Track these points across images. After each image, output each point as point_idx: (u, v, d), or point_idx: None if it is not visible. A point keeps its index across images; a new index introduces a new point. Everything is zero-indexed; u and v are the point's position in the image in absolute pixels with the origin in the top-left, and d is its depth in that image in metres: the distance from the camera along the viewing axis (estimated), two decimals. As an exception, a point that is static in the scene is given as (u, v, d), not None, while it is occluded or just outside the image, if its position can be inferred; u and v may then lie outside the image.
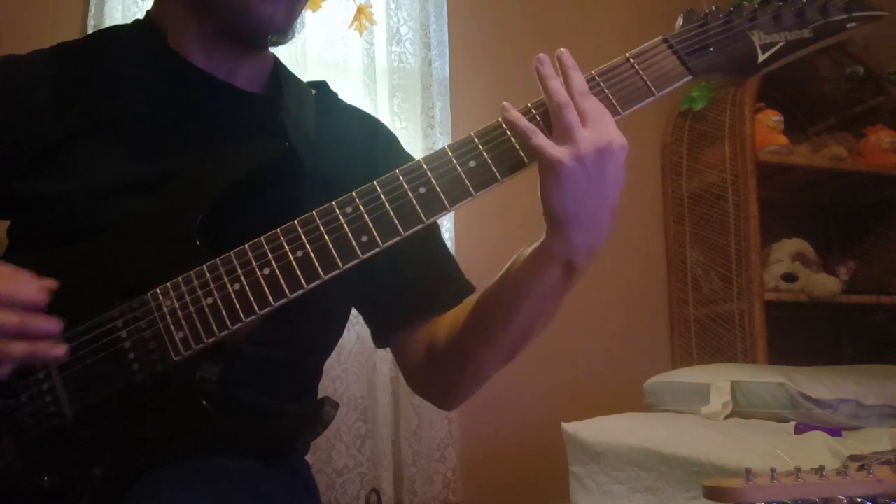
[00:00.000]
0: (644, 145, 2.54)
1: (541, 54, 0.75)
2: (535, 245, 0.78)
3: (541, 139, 0.72)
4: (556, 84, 0.74)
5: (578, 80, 0.74)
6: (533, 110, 0.76)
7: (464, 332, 0.87)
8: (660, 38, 0.79)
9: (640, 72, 0.77)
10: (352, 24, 2.10)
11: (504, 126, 0.75)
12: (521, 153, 0.74)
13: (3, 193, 0.85)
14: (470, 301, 0.89)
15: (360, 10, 2.10)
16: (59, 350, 0.71)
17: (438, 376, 0.94)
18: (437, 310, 0.93)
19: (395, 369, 1.98)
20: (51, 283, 0.72)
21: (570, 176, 0.71)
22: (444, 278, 0.96)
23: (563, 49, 0.76)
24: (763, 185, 2.24)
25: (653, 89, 0.76)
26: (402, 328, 0.95)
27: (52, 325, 0.71)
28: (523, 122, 0.73)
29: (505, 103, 0.75)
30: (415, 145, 2.10)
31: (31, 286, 0.71)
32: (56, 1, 1.97)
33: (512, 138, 0.75)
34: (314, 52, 2.10)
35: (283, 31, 0.89)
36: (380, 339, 0.99)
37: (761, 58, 0.79)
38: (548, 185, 0.72)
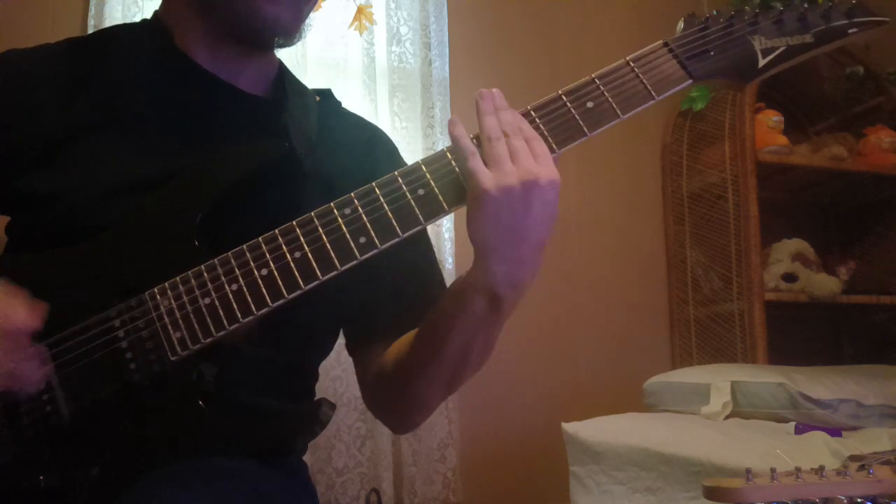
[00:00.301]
0: (644, 145, 2.54)
1: (482, 89, 0.75)
2: (461, 276, 0.77)
3: (475, 163, 0.71)
4: (490, 120, 0.73)
5: (508, 119, 0.74)
6: (532, 112, 0.76)
7: (403, 360, 0.86)
8: (660, 42, 0.79)
9: (641, 75, 0.77)
10: (352, 24, 2.10)
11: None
12: None
13: (4, 190, 0.85)
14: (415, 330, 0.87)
15: (360, 10, 2.10)
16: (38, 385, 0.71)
17: (385, 400, 0.93)
18: (394, 335, 0.91)
19: (395, 369, 1.98)
20: (42, 309, 0.72)
21: (494, 205, 0.70)
22: (419, 299, 0.92)
23: (495, 90, 0.75)
24: (763, 185, 2.24)
25: (653, 93, 0.76)
26: (377, 342, 0.93)
27: (36, 360, 0.71)
28: (466, 141, 0.73)
29: (452, 118, 0.75)
30: (415, 145, 2.10)
31: (21, 314, 0.71)
32: (56, 1, 1.97)
33: None
34: (314, 52, 2.09)
35: (290, 33, 0.89)
36: (352, 349, 0.98)
37: (762, 62, 0.79)
38: (471, 212, 0.72)
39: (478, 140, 0.74)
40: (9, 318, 0.70)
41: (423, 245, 0.98)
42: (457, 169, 0.74)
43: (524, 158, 0.71)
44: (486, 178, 0.70)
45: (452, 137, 0.74)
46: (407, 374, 0.85)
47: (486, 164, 0.71)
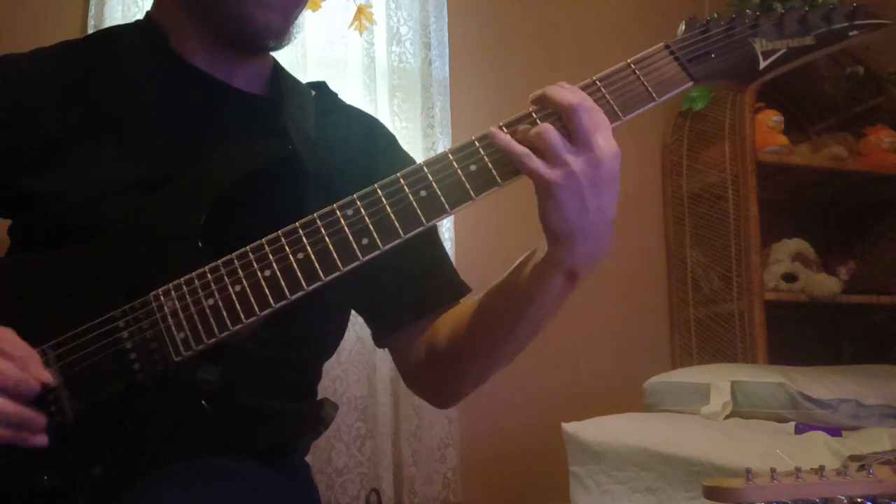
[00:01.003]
0: (644, 145, 2.54)
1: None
2: (538, 255, 0.78)
3: (535, 163, 0.71)
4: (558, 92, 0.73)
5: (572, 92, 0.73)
6: (534, 115, 0.76)
7: (466, 336, 0.87)
8: (661, 44, 0.79)
9: (641, 77, 0.77)
10: (352, 24, 2.10)
11: (505, 131, 0.75)
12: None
13: (4, 192, 0.85)
14: (470, 306, 0.89)
15: (360, 10, 2.10)
16: (41, 440, 0.71)
17: (438, 377, 0.94)
18: (433, 310, 0.94)
19: (396, 369, 1.98)
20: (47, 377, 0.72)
21: (567, 195, 0.70)
22: (441, 279, 0.97)
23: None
24: (763, 185, 2.24)
25: (654, 95, 0.77)
26: (400, 328, 0.95)
27: (40, 420, 0.71)
28: (516, 146, 0.72)
29: (493, 129, 0.75)
30: (415, 145, 2.10)
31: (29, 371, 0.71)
32: (56, 1, 1.97)
33: None
34: (314, 52, 2.09)
35: (280, 37, 0.89)
36: (380, 339, 1.00)
37: (763, 64, 0.79)
38: (546, 207, 0.72)
39: (514, 129, 0.74)
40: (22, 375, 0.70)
41: (435, 237, 1.02)
42: (459, 171, 0.74)
43: (590, 136, 0.71)
44: (551, 173, 0.70)
45: (501, 148, 0.73)
46: (472, 349, 0.87)
47: (541, 155, 0.71)
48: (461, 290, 0.97)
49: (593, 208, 0.71)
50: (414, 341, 0.95)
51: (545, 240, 0.76)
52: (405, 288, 0.94)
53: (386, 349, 1.00)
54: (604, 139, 0.71)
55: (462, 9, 2.31)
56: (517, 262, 0.82)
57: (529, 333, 0.84)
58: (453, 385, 0.94)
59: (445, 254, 1.02)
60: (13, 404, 0.69)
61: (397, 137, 1.07)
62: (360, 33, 2.10)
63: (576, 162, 0.70)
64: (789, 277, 2.29)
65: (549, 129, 0.71)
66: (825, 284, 2.25)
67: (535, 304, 0.80)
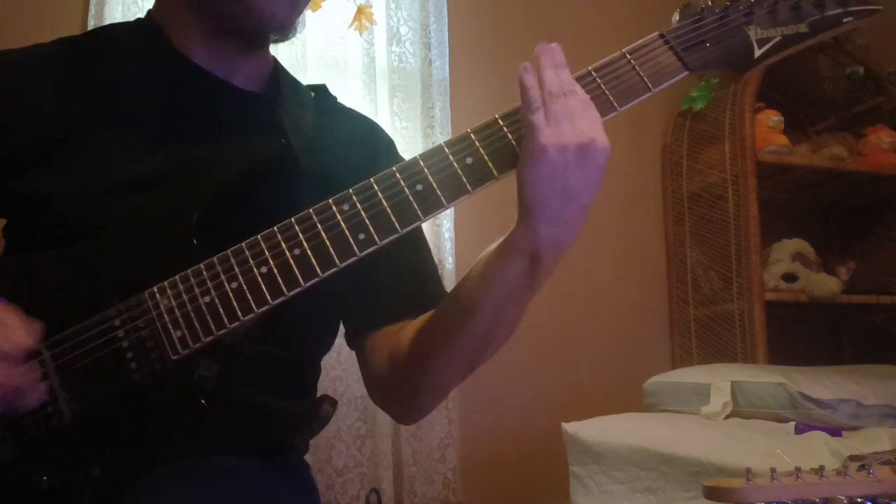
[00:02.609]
0: (644, 145, 2.53)
1: (542, 44, 0.74)
2: (502, 238, 0.76)
3: (538, 118, 0.70)
4: (551, 75, 0.72)
5: (567, 78, 0.73)
6: None
7: (424, 334, 0.84)
8: (656, 33, 0.79)
9: (637, 67, 0.76)
10: (352, 24, 2.10)
11: (501, 122, 0.75)
12: (518, 149, 0.74)
13: (1, 191, 0.85)
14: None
15: (360, 10, 2.11)
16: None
17: (398, 385, 0.90)
18: (405, 314, 0.90)
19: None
20: (37, 328, 0.72)
21: (549, 163, 0.69)
22: (419, 283, 0.94)
23: (555, 44, 0.74)
24: (763, 185, 2.24)
25: (649, 85, 0.76)
26: (370, 330, 0.92)
27: (34, 377, 0.71)
28: (535, 93, 0.72)
29: (526, 64, 0.73)
30: (415, 145, 2.10)
31: (19, 333, 0.71)
32: (56, 1, 1.97)
33: (509, 134, 0.74)
34: (314, 52, 2.10)
35: (285, 29, 0.89)
36: (352, 341, 0.97)
37: (757, 53, 0.79)
38: (525, 168, 0.71)
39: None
40: (8, 338, 0.70)
41: (418, 240, 0.98)
42: (455, 164, 0.74)
43: (582, 119, 0.71)
44: (545, 134, 0.70)
45: (523, 86, 0.72)
46: (428, 353, 0.83)
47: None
48: (437, 297, 0.91)
49: (570, 187, 0.70)
50: (379, 346, 0.91)
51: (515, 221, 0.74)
52: (383, 290, 0.91)
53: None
54: (593, 126, 0.71)
55: (462, 9, 2.31)
56: (481, 255, 0.80)
57: (486, 334, 0.80)
58: (411, 394, 0.89)
59: (429, 259, 0.98)
60: None
61: (397, 137, 1.07)
62: (360, 33, 2.10)
63: (570, 135, 0.70)
64: (789, 277, 2.29)
65: (560, 97, 0.70)
66: (825, 284, 2.25)
67: (492, 293, 0.76)
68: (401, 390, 0.90)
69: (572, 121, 0.70)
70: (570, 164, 0.70)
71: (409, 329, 0.88)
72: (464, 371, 0.84)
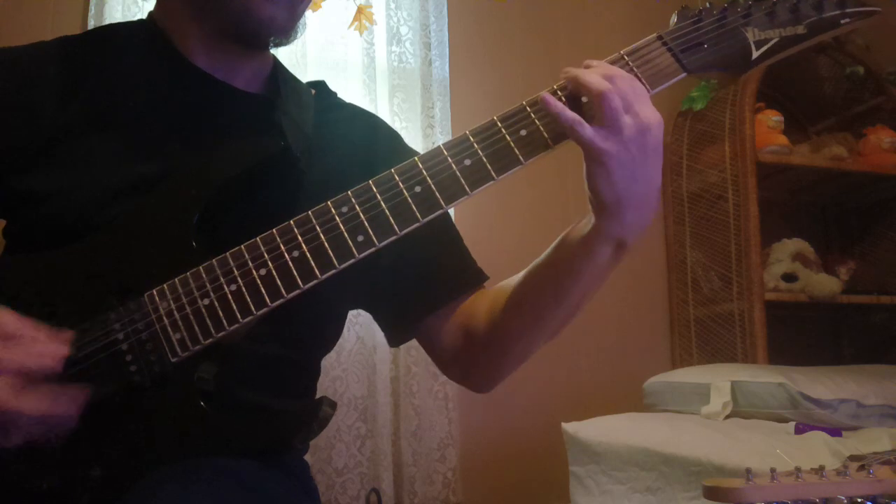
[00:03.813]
0: (644, 145, 2.53)
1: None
2: (584, 228, 0.78)
3: (586, 130, 0.71)
4: (591, 76, 0.72)
5: (607, 71, 0.73)
6: (529, 108, 0.76)
7: (509, 314, 0.86)
8: (654, 35, 0.79)
9: (635, 69, 0.77)
10: (352, 24, 2.10)
11: (499, 124, 0.75)
12: (517, 151, 0.74)
13: (1, 191, 0.85)
14: (509, 285, 0.88)
15: (360, 10, 2.10)
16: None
17: (479, 360, 0.93)
18: (464, 291, 0.94)
19: (396, 369, 1.99)
20: (67, 337, 0.71)
21: (618, 163, 0.71)
22: (463, 259, 0.97)
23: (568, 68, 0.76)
24: (763, 185, 2.24)
25: (647, 86, 0.76)
26: (427, 315, 0.93)
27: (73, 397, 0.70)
28: (568, 112, 0.72)
29: (545, 94, 0.74)
30: (415, 145, 2.08)
31: (52, 348, 0.70)
32: (56, 1, 1.97)
33: (507, 136, 0.74)
34: (314, 52, 2.10)
35: (285, 32, 0.88)
36: (394, 339, 0.98)
37: (755, 54, 0.79)
38: (596, 175, 0.72)
39: (565, 98, 0.74)
40: (42, 355, 0.69)
41: (446, 224, 1.00)
42: (453, 166, 0.74)
43: (635, 105, 0.71)
44: (601, 139, 0.70)
45: (552, 113, 0.73)
46: (516, 327, 0.86)
47: (596, 121, 0.71)
48: (480, 277, 0.97)
49: (640, 175, 0.72)
50: (446, 326, 0.93)
51: (590, 212, 0.76)
52: (430, 275, 0.94)
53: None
54: (647, 107, 0.72)
55: (462, 9, 2.31)
56: (558, 239, 0.82)
57: (573, 308, 0.84)
58: (497, 366, 0.93)
59: (460, 241, 1.01)
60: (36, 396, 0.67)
61: (397, 138, 1.07)
62: (360, 33, 2.10)
63: (629, 128, 0.70)
64: (789, 277, 2.29)
65: (610, 93, 0.70)
66: (825, 284, 2.25)
67: (582, 278, 0.79)
68: (483, 365, 0.94)
69: (628, 110, 0.71)
70: (635, 154, 0.71)
71: (482, 310, 0.91)
72: (548, 340, 0.89)
